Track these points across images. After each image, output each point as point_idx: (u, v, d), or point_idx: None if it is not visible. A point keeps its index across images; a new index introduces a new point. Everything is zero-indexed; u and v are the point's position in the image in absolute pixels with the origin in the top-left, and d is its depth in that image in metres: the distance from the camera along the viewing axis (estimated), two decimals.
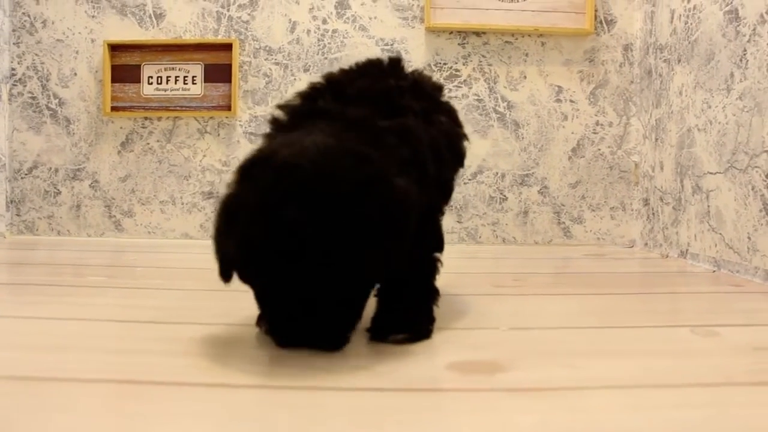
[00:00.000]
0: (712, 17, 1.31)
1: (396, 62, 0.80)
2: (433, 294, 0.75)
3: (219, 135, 1.77)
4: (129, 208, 1.78)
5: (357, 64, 0.80)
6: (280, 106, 0.74)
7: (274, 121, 0.73)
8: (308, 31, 1.75)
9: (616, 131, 1.76)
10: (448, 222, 1.73)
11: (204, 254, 1.40)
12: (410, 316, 0.70)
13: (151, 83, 1.76)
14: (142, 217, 1.78)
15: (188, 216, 1.78)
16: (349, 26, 1.75)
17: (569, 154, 1.76)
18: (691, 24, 1.41)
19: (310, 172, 0.57)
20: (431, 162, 0.70)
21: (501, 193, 1.76)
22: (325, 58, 1.75)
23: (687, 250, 1.43)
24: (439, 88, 0.84)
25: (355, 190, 0.57)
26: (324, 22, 1.75)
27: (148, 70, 1.76)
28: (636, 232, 1.75)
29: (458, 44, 1.74)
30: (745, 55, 1.19)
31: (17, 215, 1.80)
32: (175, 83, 1.75)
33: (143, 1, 1.76)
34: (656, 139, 1.61)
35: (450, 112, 0.83)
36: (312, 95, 0.74)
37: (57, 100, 1.77)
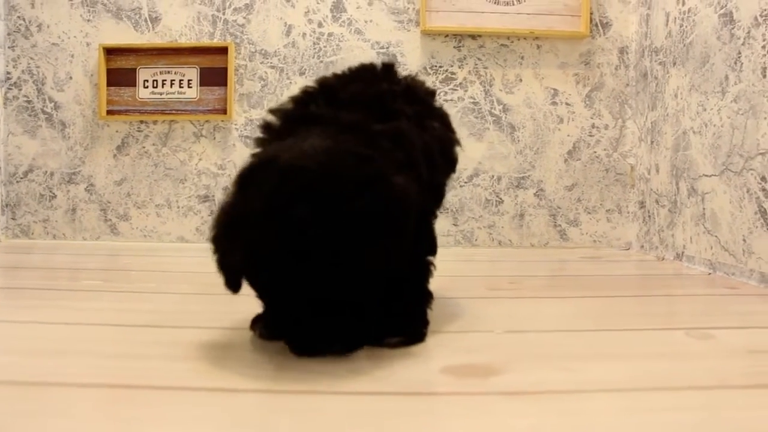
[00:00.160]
0: (707, 20, 1.32)
1: (389, 67, 0.81)
2: (427, 297, 0.75)
3: (215, 138, 1.77)
4: (125, 212, 1.78)
5: (350, 69, 0.80)
6: (272, 111, 0.74)
7: (267, 126, 0.73)
8: (304, 35, 1.75)
9: (612, 134, 1.77)
10: (444, 225, 1.73)
11: (200, 257, 1.40)
12: (404, 320, 0.70)
13: (147, 87, 1.76)
14: (137, 220, 1.78)
15: (184, 219, 1.78)
16: (345, 29, 1.75)
17: (565, 156, 1.76)
18: (686, 27, 1.41)
19: (316, 172, 0.57)
20: (424, 166, 0.71)
21: (497, 196, 1.76)
22: (321, 62, 1.75)
23: (683, 252, 1.43)
24: (431, 93, 0.85)
25: (359, 188, 0.58)
26: (320, 25, 1.75)
27: (143, 74, 1.76)
28: (632, 234, 1.76)
29: (454, 47, 1.75)
30: (739, 57, 1.20)
31: (12, 219, 1.79)
32: (171, 87, 1.75)
33: (139, 5, 1.76)
34: (652, 142, 1.62)
35: (443, 118, 0.84)
36: (305, 100, 0.74)
37: (52, 104, 1.77)
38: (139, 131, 1.78)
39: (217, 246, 0.62)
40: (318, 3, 1.75)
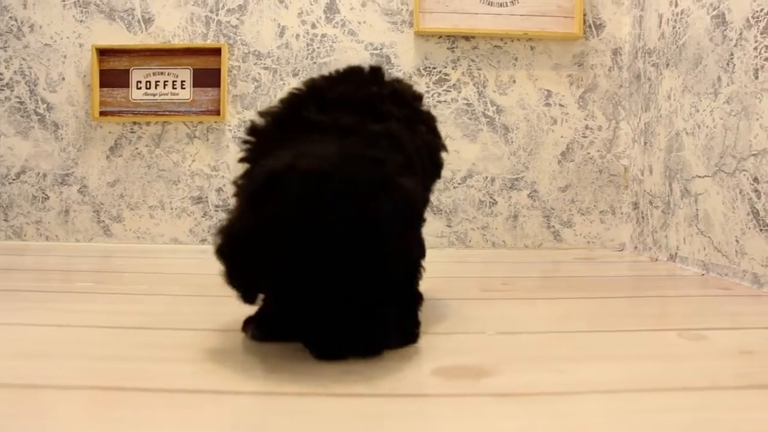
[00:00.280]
0: (700, 21, 1.32)
1: (376, 70, 0.81)
2: (417, 299, 0.75)
3: (208, 140, 1.77)
4: (118, 213, 1.78)
5: (338, 71, 0.80)
6: (261, 113, 0.74)
7: (254, 130, 0.73)
8: (297, 36, 1.75)
9: (606, 135, 1.77)
10: (437, 226, 1.73)
11: (193, 259, 1.40)
12: (396, 321, 0.70)
13: (140, 88, 1.75)
14: (130, 222, 1.78)
15: (177, 221, 1.77)
16: (338, 31, 1.74)
17: (559, 158, 1.76)
18: (679, 28, 1.42)
19: (338, 177, 0.58)
20: (419, 168, 0.71)
21: (491, 197, 1.76)
22: (314, 63, 1.74)
23: (676, 253, 1.43)
24: (419, 97, 0.85)
25: (375, 190, 0.59)
26: (313, 26, 1.75)
27: (136, 75, 1.75)
28: (626, 235, 1.76)
29: (447, 48, 1.75)
30: (732, 59, 1.20)
31: (5, 220, 1.78)
32: (164, 88, 1.75)
33: (132, 6, 1.75)
34: (645, 143, 1.62)
35: (429, 122, 0.84)
36: (294, 102, 0.74)
37: (45, 105, 1.76)
38: (132, 132, 1.77)
39: (233, 263, 0.61)
40: (311, 4, 1.75)
